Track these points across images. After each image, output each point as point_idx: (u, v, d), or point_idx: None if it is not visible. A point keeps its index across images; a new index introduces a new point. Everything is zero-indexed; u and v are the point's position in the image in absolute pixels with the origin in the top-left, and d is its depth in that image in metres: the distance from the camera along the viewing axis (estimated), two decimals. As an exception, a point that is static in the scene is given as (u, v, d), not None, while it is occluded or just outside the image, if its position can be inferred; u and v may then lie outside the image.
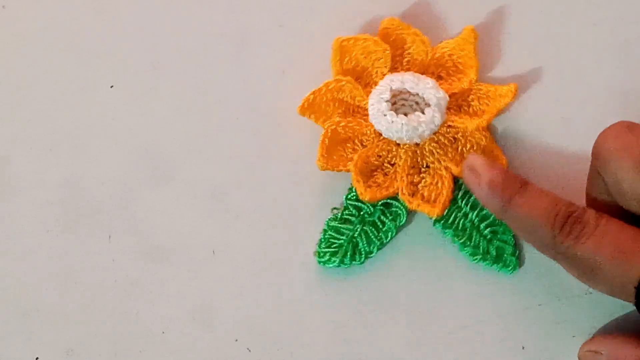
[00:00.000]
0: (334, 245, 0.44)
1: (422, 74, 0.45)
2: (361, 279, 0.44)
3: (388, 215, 0.44)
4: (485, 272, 0.44)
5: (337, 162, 0.44)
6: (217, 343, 0.44)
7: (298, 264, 0.44)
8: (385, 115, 0.43)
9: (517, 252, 0.44)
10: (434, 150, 0.44)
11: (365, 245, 0.44)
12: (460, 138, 0.44)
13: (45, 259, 0.45)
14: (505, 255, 0.44)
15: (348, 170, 0.44)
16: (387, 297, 0.44)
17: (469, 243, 0.44)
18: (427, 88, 0.44)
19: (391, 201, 0.44)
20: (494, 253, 0.44)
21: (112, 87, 0.47)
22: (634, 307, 0.39)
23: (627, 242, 0.38)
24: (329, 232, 0.44)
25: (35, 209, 0.45)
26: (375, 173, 0.44)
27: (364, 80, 0.46)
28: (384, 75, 0.45)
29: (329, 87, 0.45)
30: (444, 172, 0.44)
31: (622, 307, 0.43)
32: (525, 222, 0.40)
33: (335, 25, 0.47)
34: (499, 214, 0.40)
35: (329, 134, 0.44)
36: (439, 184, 0.44)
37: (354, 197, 0.44)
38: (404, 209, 0.44)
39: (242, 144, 0.46)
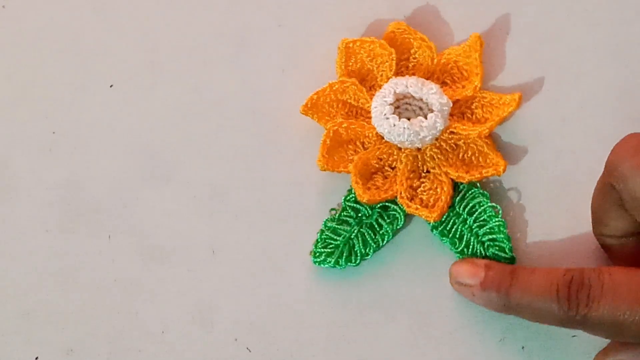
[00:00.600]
0: (330, 246, 0.44)
1: (427, 79, 0.45)
2: (361, 279, 0.44)
3: (386, 218, 0.44)
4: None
5: (338, 163, 0.44)
6: (217, 343, 0.44)
7: (298, 264, 0.44)
8: (387, 118, 0.43)
9: (515, 259, 0.44)
10: (435, 156, 0.44)
11: (362, 247, 0.44)
12: (462, 145, 0.44)
13: (44, 259, 0.45)
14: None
15: (348, 172, 0.44)
16: (386, 298, 0.44)
17: (465, 251, 0.44)
18: (431, 93, 0.44)
19: (389, 204, 0.44)
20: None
21: (111, 86, 0.47)
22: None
23: None
24: (326, 233, 0.44)
25: (35, 209, 0.45)
26: (375, 176, 0.44)
27: (369, 82, 0.46)
28: (389, 78, 0.45)
29: (333, 88, 0.45)
30: (444, 178, 0.44)
31: None
32: (531, 308, 0.39)
33: (334, 25, 0.47)
34: (506, 311, 0.41)
35: (331, 134, 0.44)
36: (439, 190, 0.44)
37: (353, 199, 0.44)
38: (401, 213, 0.44)
39: (241, 144, 0.46)
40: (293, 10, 0.47)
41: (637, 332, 0.38)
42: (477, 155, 0.44)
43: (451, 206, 0.44)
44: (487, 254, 0.44)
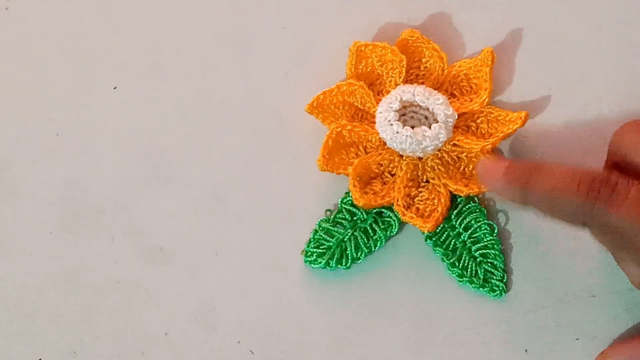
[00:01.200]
0: (323, 247, 0.44)
1: (436, 89, 0.45)
2: (364, 281, 0.44)
3: (380, 224, 0.44)
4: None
5: (338, 164, 0.44)
6: (220, 345, 0.44)
7: (301, 266, 0.44)
8: (391, 124, 0.43)
9: (506, 278, 0.44)
10: (435, 167, 0.44)
11: (353, 251, 0.44)
12: (464, 158, 0.44)
13: (47, 260, 0.45)
14: (493, 280, 0.43)
15: (347, 174, 0.44)
16: (390, 300, 0.44)
17: (457, 264, 0.44)
18: (437, 104, 0.44)
19: (385, 211, 0.44)
20: (481, 276, 0.43)
21: (115, 88, 0.47)
22: None
23: None
24: (319, 233, 0.44)
25: (38, 210, 0.46)
26: (374, 181, 0.44)
27: (377, 87, 0.46)
28: (397, 85, 0.45)
29: (341, 89, 0.45)
30: (442, 190, 0.44)
31: (625, 310, 0.43)
32: (548, 197, 0.38)
33: (338, 28, 0.47)
34: (520, 199, 0.39)
35: (334, 135, 0.44)
36: (436, 200, 0.44)
37: (349, 202, 0.44)
38: (396, 220, 0.44)
39: (244, 146, 0.46)
40: (297, 12, 0.47)
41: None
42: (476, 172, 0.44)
43: (447, 218, 0.44)
44: (479, 269, 0.44)
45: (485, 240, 0.44)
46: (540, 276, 0.43)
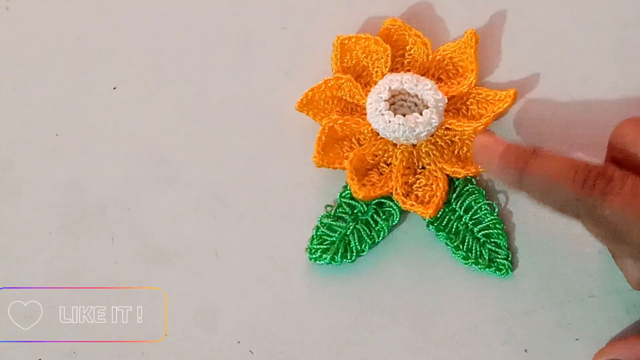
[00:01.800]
0: (326, 242, 0.44)
1: (423, 75, 0.45)
2: (365, 282, 0.44)
3: (381, 214, 0.44)
4: (488, 275, 0.44)
5: (333, 159, 0.44)
6: (220, 345, 0.44)
7: (301, 267, 0.44)
8: (382, 114, 0.43)
9: (510, 256, 0.44)
10: (430, 152, 0.44)
11: (357, 243, 0.44)
12: (457, 141, 0.44)
13: (48, 260, 0.45)
14: (498, 259, 0.44)
15: (344, 168, 0.44)
16: (390, 301, 0.44)
17: (461, 247, 0.44)
18: (426, 89, 0.44)
19: (385, 200, 0.44)
20: (486, 257, 0.44)
21: (115, 88, 0.47)
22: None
23: None
24: (322, 229, 0.44)
25: (38, 211, 0.45)
26: (370, 172, 0.44)
27: (364, 79, 0.46)
28: (384, 75, 0.45)
29: (329, 85, 0.45)
30: (439, 174, 0.44)
31: (625, 310, 0.43)
32: (544, 184, 0.38)
33: (338, 28, 0.47)
34: (515, 184, 0.39)
35: (326, 131, 0.44)
36: (434, 186, 0.44)
37: (348, 195, 0.44)
38: (397, 209, 0.44)
39: (245, 146, 0.46)
40: (297, 13, 0.47)
41: (633, 242, 0.37)
42: (472, 152, 0.44)
43: (447, 202, 0.44)
44: (483, 250, 0.44)
45: (486, 220, 0.44)
46: (540, 276, 0.43)
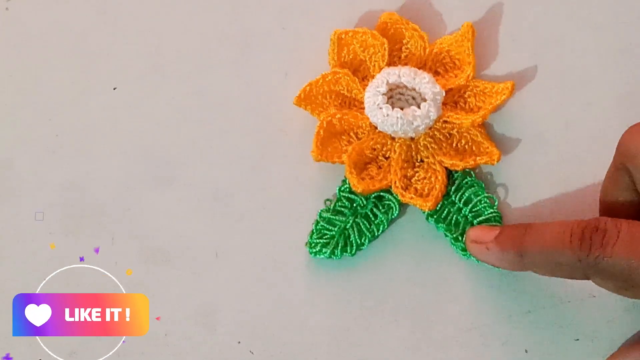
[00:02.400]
0: (326, 237, 0.44)
1: (420, 69, 0.45)
2: (365, 280, 0.44)
3: (380, 208, 0.44)
4: (488, 275, 0.44)
5: (332, 153, 0.44)
6: (220, 345, 0.44)
7: (301, 266, 0.44)
8: (380, 108, 0.43)
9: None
10: (428, 145, 0.44)
11: (357, 237, 0.44)
12: (456, 134, 0.44)
13: (47, 261, 0.45)
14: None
15: (342, 162, 0.44)
16: (390, 301, 0.44)
17: (461, 238, 0.44)
18: (424, 83, 0.44)
19: (384, 194, 0.44)
20: (485, 249, 0.44)
21: (115, 89, 0.47)
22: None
23: None
24: (321, 223, 0.44)
25: (38, 211, 0.45)
26: (369, 166, 0.45)
27: (361, 73, 0.46)
28: (381, 68, 0.45)
29: (326, 79, 0.45)
30: (437, 167, 0.44)
31: (625, 310, 0.43)
32: (544, 255, 0.39)
33: (337, 27, 0.46)
34: (518, 265, 0.40)
35: (325, 125, 0.44)
36: (433, 179, 0.44)
37: (347, 189, 0.44)
38: (396, 202, 0.44)
39: (245, 146, 0.46)
40: (297, 13, 0.47)
41: None
42: (470, 143, 0.44)
43: (446, 195, 0.44)
44: (483, 242, 0.44)
45: (486, 213, 0.44)
46: (540, 276, 0.43)
